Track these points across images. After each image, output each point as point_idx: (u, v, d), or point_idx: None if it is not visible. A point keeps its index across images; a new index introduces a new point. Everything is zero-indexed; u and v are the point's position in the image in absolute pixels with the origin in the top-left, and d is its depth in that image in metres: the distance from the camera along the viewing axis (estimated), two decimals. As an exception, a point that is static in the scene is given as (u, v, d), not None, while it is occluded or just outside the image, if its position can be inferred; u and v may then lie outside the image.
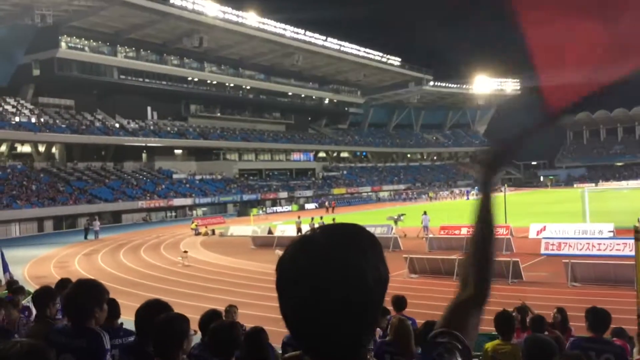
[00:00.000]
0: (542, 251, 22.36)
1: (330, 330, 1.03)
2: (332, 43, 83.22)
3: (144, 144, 64.99)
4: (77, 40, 61.43)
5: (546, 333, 6.79)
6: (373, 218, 32.59)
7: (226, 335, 3.57)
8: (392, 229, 31.59)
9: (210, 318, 4.82)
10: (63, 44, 59.31)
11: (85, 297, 3.28)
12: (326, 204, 63.95)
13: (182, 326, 3.02)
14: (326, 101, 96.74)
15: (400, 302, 7.50)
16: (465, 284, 1.45)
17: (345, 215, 49.99)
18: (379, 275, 1.08)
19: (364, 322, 1.06)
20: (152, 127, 67.88)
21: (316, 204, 68.08)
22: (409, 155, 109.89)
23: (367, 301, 1.05)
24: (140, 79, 67.37)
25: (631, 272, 10.64)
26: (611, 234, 24.11)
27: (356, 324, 1.04)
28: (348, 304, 1.02)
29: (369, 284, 1.05)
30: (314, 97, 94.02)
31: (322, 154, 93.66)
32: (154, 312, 3.22)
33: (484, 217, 1.47)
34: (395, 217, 32.67)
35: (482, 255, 1.45)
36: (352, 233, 1.10)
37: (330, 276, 1.02)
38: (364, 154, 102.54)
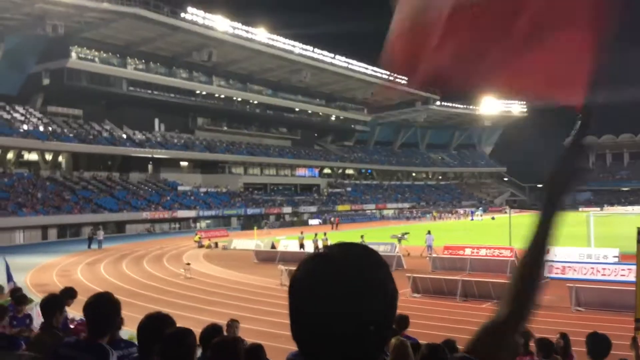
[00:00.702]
0: (546, 274, 22.06)
1: (349, 347, 1.02)
2: (340, 60, 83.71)
3: (150, 155, 65.24)
4: (88, 51, 61.97)
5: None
6: (377, 236, 32.52)
7: (230, 351, 3.56)
8: (395, 247, 31.47)
9: (211, 333, 4.80)
10: (73, 55, 59.83)
11: (110, 309, 3.31)
12: (330, 220, 63.85)
13: (192, 340, 3.02)
14: (333, 118, 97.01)
15: (403, 322, 7.46)
16: (503, 306, 1.40)
17: (349, 233, 49.84)
18: (393, 291, 1.09)
19: (382, 338, 1.05)
20: (158, 139, 68.18)
21: (320, 220, 67.99)
22: (414, 174, 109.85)
23: (385, 317, 1.05)
24: (149, 91, 67.82)
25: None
26: (616, 259, 23.95)
27: (374, 339, 1.04)
28: (367, 320, 1.02)
29: (387, 299, 1.06)
30: (320, 113, 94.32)
31: (327, 170, 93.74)
32: (158, 325, 3.22)
33: (542, 239, 1.44)
34: (399, 236, 32.56)
35: (527, 276, 1.42)
36: (364, 250, 1.11)
37: (350, 292, 1.01)
38: (369, 171, 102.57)
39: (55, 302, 4.55)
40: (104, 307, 3.29)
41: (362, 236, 31.89)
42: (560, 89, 1.51)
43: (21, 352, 4.06)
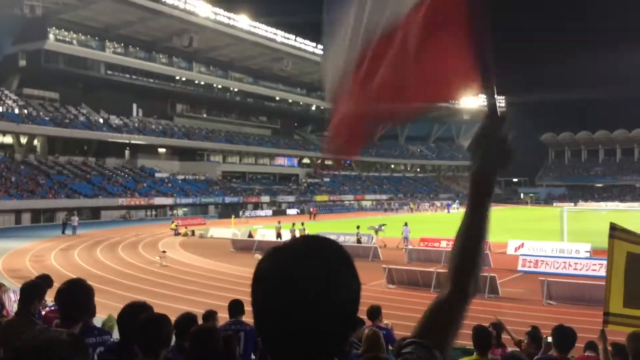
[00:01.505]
0: (519, 268, 22.55)
1: (313, 340, 1.03)
2: (322, 50, 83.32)
3: (127, 141, 64.51)
4: (66, 33, 60.93)
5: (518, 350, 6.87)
6: (354, 226, 32.64)
7: (209, 340, 3.57)
8: (372, 238, 31.66)
9: (185, 322, 4.79)
10: (51, 36, 58.78)
11: (82, 296, 3.28)
12: (309, 210, 63.90)
13: (167, 326, 3.01)
14: (313, 108, 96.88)
15: (375, 312, 7.54)
16: (444, 287, 1.40)
17: (327, 223, 50.00)
18: (357, 285, 1.09)
19: (345, 330, 1.06)
20: (136, 125, 67.42)
21: (298, 210, 67.98)
22: (392, 166, 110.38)
23: (348, 310, 1.06)
24: (127, 76, 66.99)
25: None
26: (588, 254, 24.41)
27: (338, 332, 1.05)
28: (331, 313, 1.03)
29: (352, 291, 1.06)
30: (301, 103, 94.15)
31: (306, 160, 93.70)
32: (138, 313, 3.21)
33: (484, 212, 1.41)
34: (376, 227, 32.74)
35: (470, 248, 1.39)
36: (328, 243, 1.10)
37: (314, 283, 1.02)
38: (348, 162, 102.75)
39: (36, 290, 4.50)
40: (76, 294, 3.26)
41: (357, 227, 31.95)
42: (457, 83, 1.60)
43: None
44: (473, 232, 1.40)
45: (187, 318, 4.95)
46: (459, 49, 1.48)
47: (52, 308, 7.05)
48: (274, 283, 1.03)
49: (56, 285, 3.64)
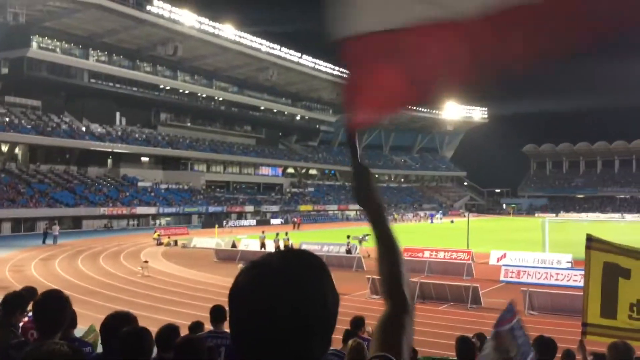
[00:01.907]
0: (502, 278, 22.71)
1: (290, 355, 1.03)
2: (307, 60, 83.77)
3: (110, 150, 63.98)
4: (49, 41, 60.48)
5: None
6: (338, 236, 32.66)
7: (194, 350, 3.55)
8: (356, 248, 31.66)
9: (167, 333, 4.76)
10: (34, 44, 58.30)
11: (58, 307, 3.24)
12: (292, 220, 63.80)
13: (149, 340, 3.00)
14: (298, 117, 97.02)
15: (359, 323, 7.56)
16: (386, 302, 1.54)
17: (311, 233, 49.95)
18: (334, 297, 1.10)
19: (322, 345, 1.07)
20: (119, 133, 66.93)
21: (282, 220, 67.87)
22: (377, 176, 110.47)
23: (325, 325, 1.07)
24: (111, 84, 66.58)
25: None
26: (569, 265, 24.66)
27: (315, 347, 1.05)
28: (307, 326, 1.03)
29: (328, 306, 1.07)
30: (285, 112, 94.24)
31: (290, 170, 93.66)
32: (121, 324, 3.19)
33: (389, 234, 1.65)
34: (360, 237, 32.75)
35: (390, 266, 1.58)
36: (306, 258, 1.11)
37: (291, 298, 1.02)
38: (333, 172, 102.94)
39: (18, 301, 4.45)
40: (51, 306, 3.22)
41: (348, 236, 31.98)
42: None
43: None
44: (386, 251, 1.61)
45: (169, 329, 4.91)
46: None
47: (30, 319, 6.94)
48: (249, 299, 1.04)
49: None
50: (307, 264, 1.10)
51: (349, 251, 30.87)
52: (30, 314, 7.99)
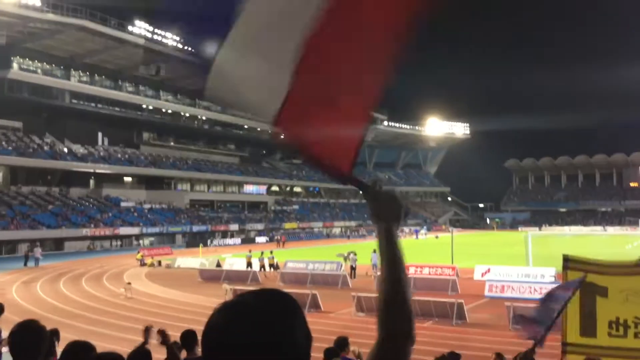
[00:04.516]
0: (486, 293, 22.79)
1: None
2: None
3: (92, 170, 63.46)
4: (30, 62, 60.19)
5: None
6: (323, 254, 32.59)
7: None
8: (341, 266, 31.60)
9: (138, 357, 4.72)
10: (15, 65, 57.95)
11: (34, 339, 3.21)
12: (276, 238, 63.59)
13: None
14: (282, 135, 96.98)
15: (342, 343, 7.57)
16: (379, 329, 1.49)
17: (296, 251, 49.78)
18: (306, 337, 1.14)
19: None
20: (102, 154, 66.48)
21: (266, 238, 67.63)
22: (361, 193, 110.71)
23: (300, 358, 1.11)
24: (93, 104, 66.28)
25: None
26: (552, 279, 24.81)
27: None
28: None
29: (298, 347, 1.10)
30: (269, 130, 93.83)
31: (275, 188, 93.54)
32: (81, 353, 3.19)
33: (397, 256, 1.59)
34: (345, 255, 32.72)
35: (393, 298, 1.53)
36: (279, 298, 1.15)
37: (264, 339, 1.06)
38: (317, 189, 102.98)
39: None
40: (27, 337, 3.19)
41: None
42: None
43: None
44: (393, 282, 1.55)
45: (139, 353, 4.87)
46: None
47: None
48: (222, 339, 1.08)
49: (18, 319, 3.58)
50: (279, 305, 1.13)
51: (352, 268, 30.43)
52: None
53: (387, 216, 1.63)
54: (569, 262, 5.10)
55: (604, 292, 4.95)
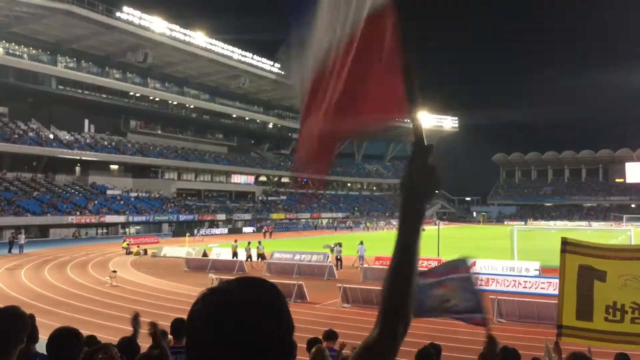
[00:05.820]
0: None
1: None
2: (279, 68, 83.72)
3: (78, 157, 62.93)
4: (16, 47, 59.44)
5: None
6: (310, 245, 32.61)
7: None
8: (328, 257, 31.65)
9: (127, 345, 4.70)
10: (1, 50, 57.21)
11: (13, 325, 3.14)
12: (264, 228, 63.56)
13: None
14: (270, 125, 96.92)
15: (329, 335, 7.61)
16: (375, 326, 1.38)
17: (283, 241, 49.79)
18: (288, 327, 1.14)
19: None
20: (88, 140, 65.92)
21: (254, 228, 67.56)
22: (349, 184, 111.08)
23: (280, 351, 1.11)
24: (80, 91, 65.63)
25: (553, 311, 11.07)
26: (537, 272, 25.03)
27: None
28: (262, 355, 1.08)
29: (282, 335, 1.11)
30: (258, 120, 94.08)
31: (263, 178, 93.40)
32: (67, 341, 3.15)
33: (414, 245, 1.42)
34: (332, 246, 32.76)
35: (399, 288, 1.38)
36: (263, 286, 1.15)
37: (244, 329, 1.07)
38: (305, 180, 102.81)
39: None
40: (6, 324, 3.13)
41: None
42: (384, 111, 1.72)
43: None
44: (402, 271, 1.39)
45: (127, 341, 4.85)
46: (388, 78, 1.56)
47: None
48: (205, 327, 1.08)
49: (0, 305, 3.53)
50: (263, 293, 1.14)
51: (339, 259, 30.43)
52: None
53: (423, 186, 1.47)
54: (567, 245, 5.11)
55: (602, 276, 4.96)
